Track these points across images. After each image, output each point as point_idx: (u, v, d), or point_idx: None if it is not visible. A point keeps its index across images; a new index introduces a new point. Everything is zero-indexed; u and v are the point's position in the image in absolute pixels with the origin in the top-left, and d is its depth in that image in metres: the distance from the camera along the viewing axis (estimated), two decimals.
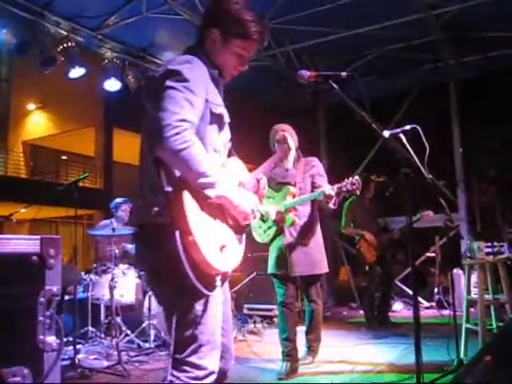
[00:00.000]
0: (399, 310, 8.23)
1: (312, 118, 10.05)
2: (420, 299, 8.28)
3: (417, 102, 9.11)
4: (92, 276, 5.79)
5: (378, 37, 7.66)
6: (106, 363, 4.91)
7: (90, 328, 5.68)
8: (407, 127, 3.47)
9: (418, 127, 3.54)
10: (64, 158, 19.38)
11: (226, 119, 2.29)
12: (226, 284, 2.34)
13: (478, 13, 6.97)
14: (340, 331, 6.46)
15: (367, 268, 5.69)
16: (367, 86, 8.65)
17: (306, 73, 2.63)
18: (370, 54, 8.59)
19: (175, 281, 2.00)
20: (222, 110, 2.23)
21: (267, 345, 5.96)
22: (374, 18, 7.09)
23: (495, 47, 8.01)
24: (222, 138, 2.26)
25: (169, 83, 2.00)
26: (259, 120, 9.47)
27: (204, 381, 2.04)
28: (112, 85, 7.47)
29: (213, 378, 2.08)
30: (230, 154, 2.38)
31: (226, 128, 2.31)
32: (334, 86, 2.55)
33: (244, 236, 2.29)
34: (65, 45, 6.74)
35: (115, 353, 4.95)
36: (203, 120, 2.10)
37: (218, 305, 2.11)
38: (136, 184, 2.21)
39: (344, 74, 2.64)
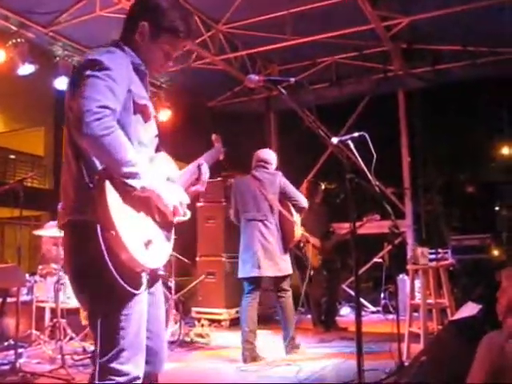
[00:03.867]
0: (346, 314, 8.34)
1: (263, 123, 10.12)
2: (366, 304, 8.43)
3: (367, 110, 9.29)
4: (37, 278, 5.66)
5: (331, 45, 7.79)
6: (49, 367, 4.80)
7: (34, 331, 5.54)
8: (355, 134, 3.54)
9: (366, 134, 3.62)
10: (12, 157, 18.84)
11: (152, 112, 2.20)
12: (159, 285, 2.27)
13: (428, 26, 7.19)
14: None
15: (312, 272, 5.75)
16: (319, 93, 8.79)
17: (255, 77, 2.66)
18: (323, 62, 8.73)
19: (97, 281, 1.91)
20: (146, 101, 2.16)
21: (216, 349, 5.95)
22: (328, 26, 7.20)
23: (443, 60, 8.27)
24: (148, 131, 2.18)
25: (89, 72, 1.93)
26: (210, 124, 9.49)
27: None
28: (63, 83, 7.31)
29: (137, 382, 2.00)
30: (157, 150, 2.29)
31: (152, 122, 2.23)
32: (283, 91, 2.58)
33: (172, 234, 2.19)
34: (14, 40, 6.56)
35: (59, 356, 4.85)
36: (126, 110, 2.03)
37: (141, 308, 2.03)
38: (60, 183, 2.11)
39: (292, 80, 2.67)
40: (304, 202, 5.40)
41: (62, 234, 2.13)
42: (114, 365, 1.94)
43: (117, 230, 1.84)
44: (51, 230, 5.60)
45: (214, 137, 2.69)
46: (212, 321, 7.19)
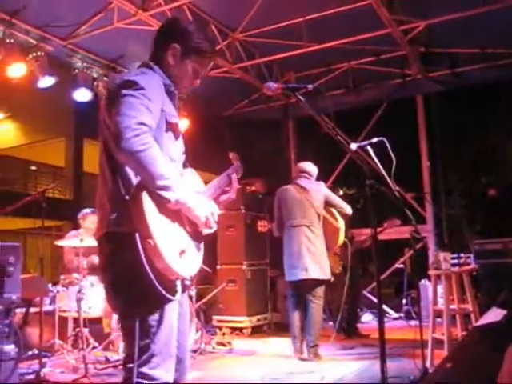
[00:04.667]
0: (368, 321, 8.28)
1: (282, 130, 10.13)
2: (389, 310, 8.36)
3: (386, 115, 9.25)
4: (59, 288, 5.70)
5: (347, 51, 7.77)
6: (72, 376, 4.83)
7: (57, 340, 5.59)
8: (374, 140, 3.52)
9: (385, 140, 3.60)
10: (33, 168, 19.09)
11: (180, 131, 2.34)
12: (186, 297, 2.36)
13: (445, 29, 7.14)
14: None
15: (333, 279, 5.76)
16: (336, 99, 8.77)
17: (273, 85, 2.66)
18: (340, 68, 8.72)
19: (134, 287, 2.01)
20: (176, 120, 2.29)
21: (238, 356, 5.95)
22: (344, 32, 7.20)
23: (462, 63, 8.21)
24: (177, 148, 2.31)
25: (125, 91, 2.05)
26: (227, 132, 9.52)
27: None
28: (82, 95, 7.40)
29: None
30: (185, 166, 2.41)
31: (180, 140, 2.36)
32: (301, 98, 2.59)
33: (202, 245, 2.29)
34: (34, 54, 6.67)
35: (82, 366, 4.88)
36: (159, 128, 2.14)
37: (173, 316, 2.12)
38: (96, 196, 2.22)
39: (310, 86, 2.68)
40: (348, 209, 5.74)
41: (96, 243, 2.22)
42: (144, 369, 2.03)
43: (154, 239, 1.94)
44: (72, 240, 5.65)
45: (231, 155, 2.75)
46: (233, 329, 7.19)
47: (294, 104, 9.24)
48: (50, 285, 5.80)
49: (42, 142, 17.06)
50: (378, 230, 2.98)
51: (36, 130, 17.03)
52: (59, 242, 5.91)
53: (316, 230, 5.53)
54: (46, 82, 6.83)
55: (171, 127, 2.24)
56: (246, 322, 7.34)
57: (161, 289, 1.97)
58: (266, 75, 8.50)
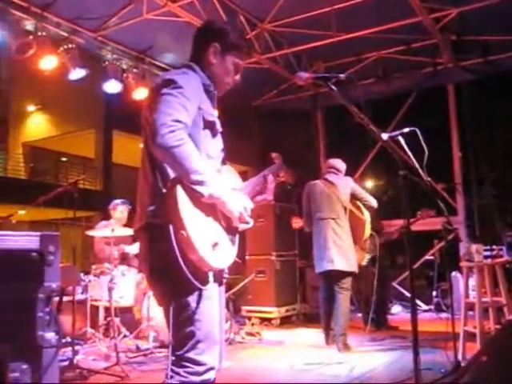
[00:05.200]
0: (397, 312, 8.23)
1: (310, 120, 10.08)
2: (418, 302, 8.28)
3: (416, 104, 9.13)
4: (91, 277, 5.79)
5: (377, 40, 7.68)
6: (104, 364, 4.91)
7: (89, 329, 5.69)
8: (406, 130, 3.47)
9: (417, 129, 3.54)
10: (64, 159, 19.38)
11: (219, 128, 2.40)
12: (223, 288, 2.40)
13: (477, 16, 7.00)
14: None
15: (358, 271, 5.80)
16: (366, 89, 8.68)
17: (304, 75, 2.65)
18: (370, 57, 8.62)
19: (170, 277, 2.08)
20: (214, 118, 2.37)
21: (267, 347, 5.97)
22: (373, 21, 7.12)
23: (494, 51, 8.04)
24: (215, 145, 2.37)
25: (164, 90, 2.16)
26: (257, 122, 9.51)
27: (203, 376, 2.10)
28: (112, 87, 7.47)
29: (212, 373, 2.14)
30: (223, 163, 2.45)
31: (219, 137, 2.43)
32: (333, 88, 2.56)
33: (237, 238, 2.32)
34: (65, 46, 6.75)
35: (114, 354, 4.95)
36: (196, 125, 2.22)
37: (214, 302, 2.18)
38: (136, 189, 2.31)
39: (343, 76, 2.65)
40: (374, 201, 5.87)
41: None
42: (191, 355, 2.10)
43: (187, 231, 2.00)
44: (103, 230, 5.72)
45: (274, 155, 2.80)
46: (262, 319, 7.21)
47: (323, 94, 9.17)
48: (81, 274, 5.90)
49: (73, 134, 17.30)
50: (411, 220, 2.95)
51: (66, 121, 17.27)
52: (90, 232, 6.00)
53: (342, 223, 5.65)
54: (77, 74, 6.91)
55: (209, 125, 2.31)
56: (274, 312, 7.35)
57: (191, 278, 2.02)
58: (295, 65, 8.45)
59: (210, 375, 2.12)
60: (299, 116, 9.77)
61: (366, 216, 5.77)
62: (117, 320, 5.47)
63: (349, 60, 8.61)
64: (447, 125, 8.88)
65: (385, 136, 2.76)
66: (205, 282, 2.10)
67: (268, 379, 4.56)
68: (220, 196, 2.12)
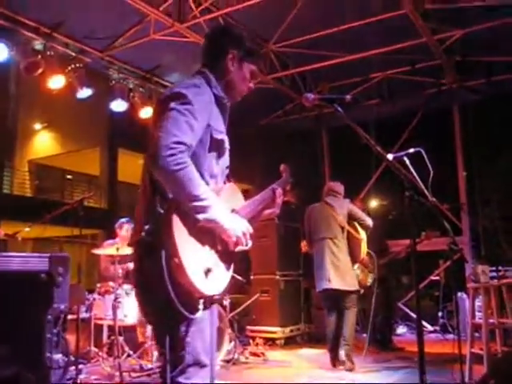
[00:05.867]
0: (403, 333, 8.17)
1: (315, 140, 10.10)
2: (424, 323, 8.22)
3: (421, 125, 9.14)
4: (95, 296, 5.78)
5: (382, 61, 7.73)
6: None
7: (93, 348, 5.66)
8: (411, 150, 3.48)
9: (422, 150, 3.55)
10: (69, 177, 19.43)
11: (227, 146, 2.35)
12: (215, 308, 2.35)
13: (481, 38, 7.05)
14: None
15: (362, 291, 5.83)
16: (371, 109, 8.71)
17: (311, 96, 2.66)
18: (375, 78, 8.67)
19: (160, 301, 2.01)
20: (223, 136, 2.30)
21: (272, 367, 5.93)
22: (379, 41, 7.17)
23: (498, 72, 8.07)
24: (220, 164, 2.31)
25: (173, 105, 2.07)
26: (262, 142, 9.53)
27: None
28: (118, 106, 7.53)
29: None
30: (227, 180, 2.41)
31: (226, 154, 2.37)
32: (339, 109, 2.58)
33: (233, 264, 2.26)
34: (73, 66, 6.82)
35: (117, 373, 4.92)
36: (202, 145, 2.16)
37: (204, 325, 2.12)
38: (136, 208, 2.26)
39: (348, 97, 2.66)
40: (369, 221, 5.96)
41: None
42: (181, 379, 2.05)
43: (180, 258, 1.95)
44: (108, 249, 5.72)
45: (282, 167, 2.79)
46: (267, 339, 7.16)
47: (328, 114, 9.20)
48: (86, 293, 5.89)
49: (78, 152, 17.38)
50: (416, 241, 2.94)
51: (72, 139, 17.37)
52: (96, 251, 6.00)
53: (339, 243, 5.80)
54: (84, 93, 6.99)
55: (216, 143, 2.24)
56: (279, 332, 7.31)
57: (179, 307, 1.97)
58: (300, 85, 8.50)
59: None
60: (304, 136, 9.81)
61: (362, 235, 5.89)
62: (121, 339, 5.44)
63: (354, 80, 8.65)
64: (452, 145, 8.89)
65: (390, 156, 2.77)
66: (195, 310, 2.04)
67: None
68: (219, 221, 2.07)
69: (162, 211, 2.04)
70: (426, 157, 3.52)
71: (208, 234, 2.11)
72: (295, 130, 9.75)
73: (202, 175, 2.09)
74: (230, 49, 2.37)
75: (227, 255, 2.21)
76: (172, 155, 1.95)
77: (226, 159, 2.37)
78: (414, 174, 2.97)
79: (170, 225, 1.97)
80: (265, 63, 7.78)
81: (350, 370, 5.41)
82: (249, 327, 7.50)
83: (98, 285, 5.95)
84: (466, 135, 8.88)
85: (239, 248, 2.23)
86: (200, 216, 2.02)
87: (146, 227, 2.07)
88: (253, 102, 8.72)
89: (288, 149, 9.05)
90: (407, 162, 3.07)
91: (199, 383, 2.08)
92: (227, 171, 2.41)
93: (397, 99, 8.93)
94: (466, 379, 4.28)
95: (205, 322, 2.13)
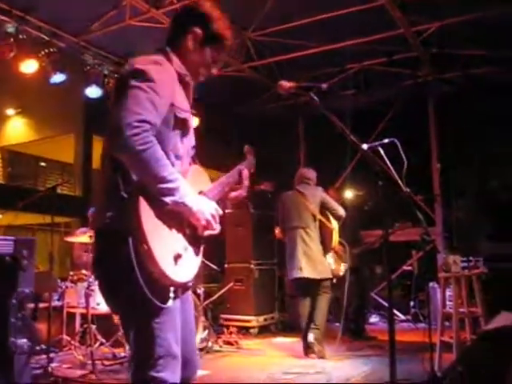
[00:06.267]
0: (375, 322, 8.26)
1: (292, 129, 10.11)
2: (396, 312, 8.32)
3: (397, 116, 9.20)
4: (68, 284, 5.72)
5: (359, 51, 7.75)
6: (79, 372, 4.85)
7: (65, 336, 5.61)
8: (385, 141, 3.50)
9: (397, 141, 3.57)
10: (43, 164, 19.16)
11: (191, 125, 2.24)
12: (189, 294, 2.26)
13: (458, 30, 7.10)
14: None
15: (335, 280, 5.88)
16: (348, 99, 8.74)
17: (286, 84, 2.65)
18: (352, 69, 8.68)
19: (128, 291, 1.91)
20: (187, 115, 2.18)
21: (245, 356, 5.95)
22: (356, 32, 7.17)
23: (474, 65, 8.15)
24: (185, 144, 2.19)
25: (134, 83, 1.95)
26: (238, 130, 9.51)
27: None
28: (93, 92, 7.42)
29: None
30: (193, 161, 2.32)
31: (191, 134, 2.26)
32: (315, 98, 2.57)
33: (202, 248, 2.19)
34: (46, 50, 6.69)
35: (89, 362, 4.89)
36: (166, 124, 2.04)
37: (175, 315, 2.04)
38: (95, 187, 2.17)
39: (324, 86, 2.67)
40: (342, 211, 5.97)
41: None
42: (151, 373, 1.96)
43: (149, 244, 1.85)
44: (82, 237, 5.67)
45: (246, 148, 2.69)
46: (241, 328, 7.18)
47: (305, 103, 9.20)
48: (58, 280, 5.83)
49: (52, 139, 17.10)
50: (389, 231, 2.97)
51: (46, 126, 17.06)
52: (69, 238, 5.94)
53: (311, 232, 5.84)
54: (58, 78, 6.87)
55: (180, 122, 2.12)
56: (253, 321, 7.34)
57: (151, 297, 1.88)
58: (277, 74, 8.48)
59: None
60: (280, 125, 9.79)
61: (334, 224, 5.93)
62: (93, 327, 5.41)
63: (331, 70, 8.65)
64: (427, 137, 8.97)
65: (365, 146, 2.78)
66: (166, 299, 1.95)
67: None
68: (186, 204, 1.97)
69: (125, 195, 1.91)
70: (400, 147, 3.54)
71: (176, 218, 2.01)
72: (272, 118, 9.72)
73: (167, 155, 1.97)
74: (192, 27, 2.22)
75: (196, 239, 2.14)
76: (136, 134, 1.83)
77: (191, 139, 2.26)
78: (389, 164, 2.99)
79: (137, 209, 1.87)
80: (242, 51, 7.75)
81: (320, 354, 5.49)
82: (223, 316, 7.51)
83: (71, 273, 5.90)
84: (442, 127, 8.97)
85: (208, 232, 2.16)
86: (167, 199, 1.92)
87: (109, 214, 1.95)
88: (230, 89, 8.76)
89: (264, 137, 9.03)
90: (381, 152, 3.09)
91: (170, 375, 2.00)
92: (193, 152, 2.30)
93: (373, 90, 8.97)
94: (436, 367, 4.34)
95: (176, 311, 2.05)
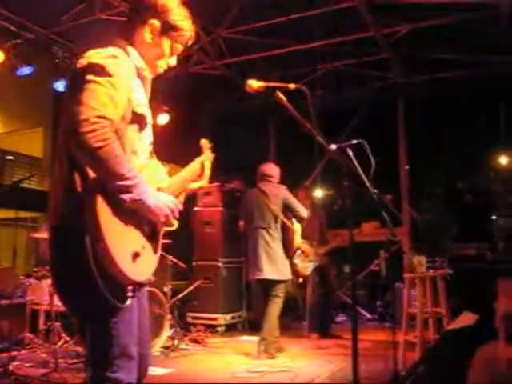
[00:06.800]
0: (342, 321, 8.32)
1: (263, 128, 10.11)
2: (362, 312, 8.41)
3: (367, 117, 9.27)
4: (32, 280, 5.62)
5: (330, 52, 7.80)
6: (42, 371, 4.76)
7: (28, 334, 5.51)
8: (354, 141, 3.53)
9: (364, 141, 3.60)
10: (10, 158, 18.79)
11: (149, 120, 2.20)
12: (145, 291, 2.22)
13: (428, 34, 7.19)
14: (282, 341, 6.45)
15: (301, 280, 5.90)
16: (318, 99, 8.77)
17: (254, 82, 2.65)
18: (323, 69, 8.72)
19: (85, 291, 1.89)
20: (144, 109, 2.14)
21: (211, 354, 5.94)
22: (328, 33, 7.22)
23: (443, 69, 8.26)
24: (142, 140, 2.16)
25: (90, 77, 1.88)
26: (209, 128, 9.47)
27: None
28: (62, 85, 7.29)
29: None
30: (151, 156, 2.29)
31: (149, 129, 2.21)
32: (282, 97, 2.58)
33: (160, 245, 2.17)
34: (14, 41, 6.56)
35: (53, 360, 4.81)
36: (124, 119, 2.00)
37: (132, 316, 2.02)
38: (50, 182, 2.14)
39: (292, 85, 2.67)
40: (304, 212, 5.85)
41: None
42: (106, 373, 1.94)
43: (106, 242, 1.82)
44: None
45: (202, 142, 2.70)
46: (208, 326, 7.16)
47: (276, 103, 9.20)
48: (22, 277, 5.73)
49: (19, 132, 16.79)
50: (355, 231, 2.99)
51: (13, 119, 16.73)
52: (36, 234, 5.84)
53: (273, 233, 5.76)
54: (25, 70, 6.73)
55: (138, 117, 2.09)
56: (220, 319, 7.32)
57: (108, 295, 1.85)
58: (249, 73, 8.47)
59: None
60: (252, 123, 9.78)
61: (296, 225, 5.90)
62: (58, 325, 5.32)
63: (303, 71, 8.67)
64: (396, 139, 9.07)
65: (333, 147, 2.79)
66: (123, 298, 1.92)
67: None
68: (145, 201, 1.93)
69: (82, 192, 1.88)
70: (368, 148, 3.57)
71: (134, 216, 1.97)
72: (243, 116, 9.71)
73: (124, 151, 1.93)
74: (149, 19, 2.16)
75: (154, 237, 2.12)
76: (94, 131, 1.78)
77: (148, 135, 2.22)
78: (357, 165, 3.01)
79: (94, 206, 1.83)
80: (213, 49, 7.73)
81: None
82: (190, 314, 7.47)
83: (35, 269, 5.80)
84: (410, 129, 9.07)
85: (167, 227, 2.15)
86: (125, 196, 1.87)
87: (65, 211, 1.92)
88: (201, 87, 8.71)
89: (236, 136, 9.01)
90: (350, 152, 3.11)
91: (126, 376, 1.98)
92: (151, 147, 2.27)
93: (344, 91, 9.04)
94: (400, 366, 4.40)
95: (134, 310, 2.02)
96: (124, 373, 1.97)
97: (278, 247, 5.72)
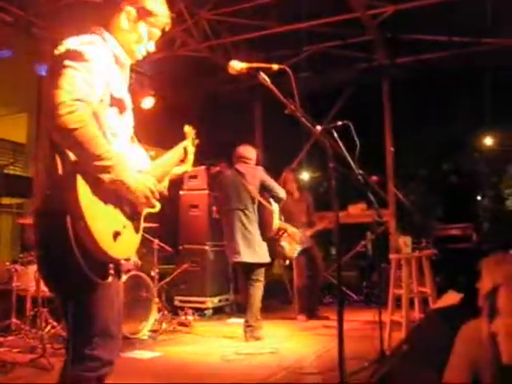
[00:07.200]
0: (329, 303, 8.37)
1: (249, 110, 10.07)
2: (349, 293, 8.47)
3: (352, 99, 9.27)
4: (18, 266, 5.59)
5: (315, 34, 7.75)
6: (29, 356, 4.75)
7: (14, 320, 5.49)
8: (339, 123, 3.52)
9: (350, 123, 3.60)
10: None
11: (128, 105, 2.25)
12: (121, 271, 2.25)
13: (413, 15, 7.17)
14: (270, 323, 6.49)
15: (288, 262, 5.89)
16: (303, 81, 8.73)
17: (237, 64, 2.64)
18: (307, 51, 8.67)
19: (65, 270, 1.95)
20: (122, 93, 2.20)
21: (198, 337, 5.96)
22: (312, 14, 7.17)
23: (427, 50, 8.25)
24: (122, 123, 2.20)
25: (68, 62, 1.95)
26: (195, 110, 9.41)
27: (99, 371, 2.01)
28: (46, 69, 7.20)
29: (109, 368, 2.05)
30: (132, 141, 2.33)
31: (129, 113, 2.26)
32: (265, 78, 2.56)
33: (141, 225, 2.22)
34: None
35: (40, 345, 4.80)
36: (102, 104, 2.05)
37: (111, 294, 2.07)
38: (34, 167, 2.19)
39: (275, 66, 2.65)
40: (282, 193, 5.79)
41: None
42: (86, 350, 1.99)
43: (86, 221, 1.87)
44: None
45: (186, 128, 2.73)
46: (195, 309, 7.18)
47: (262, 85, 9.16)
48: (7, 263, 5.69)
49: (3, 118, 16.61)
50: (342, 213, 3.00)
51: None
52: (21, 220, 5.80)
53: (250, 214, 5.66)
54: (3, 54, 6.63)
55: (116, 102, 2.13)
56: (207, 302, 7.34)
57: (89, 273, 1.91)
58: (233, 55, 8.41)
59: (104, 370, 2.03)
60: (237, 106, 9.74)
61: (274, 206, 5.77)
62: (45, 310, 5.31)
63: (288, 53, 8.62)
64: (381, 120, 9.08)
65: (318, 128, 2.79)
66: (105, 275, 1.99)
67: (198, 369, 4.55)
68: (124, 181, 1.98)
69: (63, 173, 1.94)
70: (353, 130, 3.57)
71: (114, 196, 2.03)
72: (229, 99, 9.66)
73: (103, 134, 2.00)
74: (125, 5, 2.21)
75: (136, 216, 2.17)
76: (70, 113, 1.85)
77: (129, 118, 2.27)
78: (342, 146, 3.02)
79: (74, 187, 1.88)
80: (198, 31, 7.65)
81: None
82: (177, 297, 7.49)
83: (21, 255, 5.76)
84: (396, 111, 9.08)
85: (147, 210, 2.19)
86: (104, 176, 1.93)
87: (48, 192, 1.98)
88: (187, 69, 8.63)
89: (221, 118, 8.98)
90: (335, 134, 3.11)
91: (105, 354, 2.03)
92: (132, 131, 2.32)
93: (329, 72, 9.00)
94: (386, 346, 4.45)
95: (114, 289, 2.08)
96: (105, 350, 2.02)
97: (254, 229, 5.63)
